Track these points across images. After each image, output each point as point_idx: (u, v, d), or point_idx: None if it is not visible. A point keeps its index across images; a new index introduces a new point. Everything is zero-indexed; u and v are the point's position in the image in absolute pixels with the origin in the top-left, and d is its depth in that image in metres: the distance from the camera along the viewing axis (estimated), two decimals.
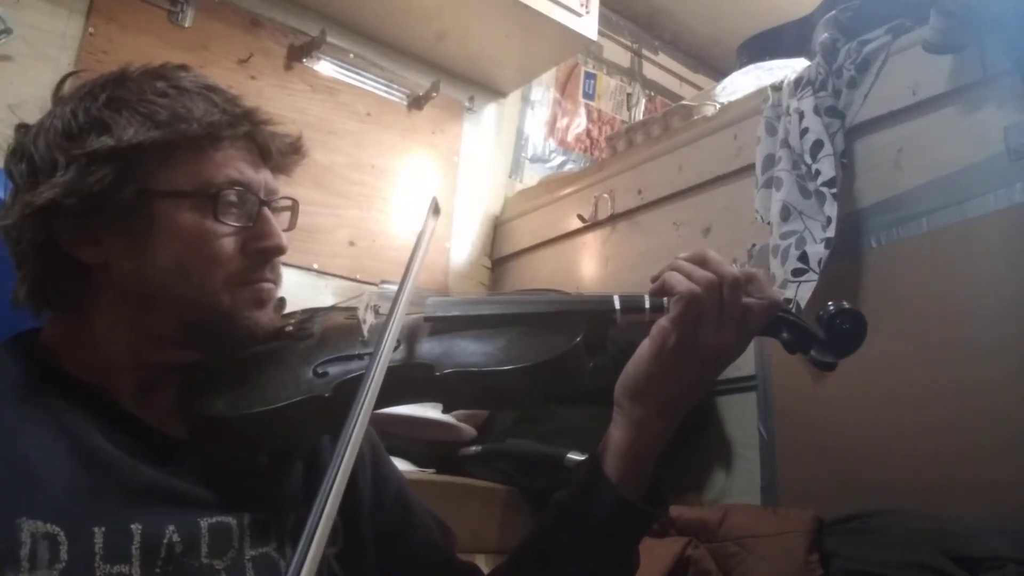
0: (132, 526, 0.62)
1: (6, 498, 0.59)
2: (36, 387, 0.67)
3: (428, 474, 1.44)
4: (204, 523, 0.66)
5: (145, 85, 0.73)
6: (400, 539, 0.83)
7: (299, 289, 1.84)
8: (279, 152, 0.78)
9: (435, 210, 0.81)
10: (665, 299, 0.72)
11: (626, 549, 0.76)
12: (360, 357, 0.71)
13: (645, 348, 0.73)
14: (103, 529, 0.61)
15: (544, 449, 1.41)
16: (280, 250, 0.75)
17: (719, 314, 0.70)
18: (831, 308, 0.74)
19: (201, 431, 0.70)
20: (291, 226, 0.82)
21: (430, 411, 1.47)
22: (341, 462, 0.54)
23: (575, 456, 1.34)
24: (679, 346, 0.70)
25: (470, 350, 0.71)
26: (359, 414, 0.57)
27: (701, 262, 0.72)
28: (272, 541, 0.70)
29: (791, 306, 1.30)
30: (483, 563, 0.88)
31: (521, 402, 1.09)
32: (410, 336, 0.73)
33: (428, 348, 0.72)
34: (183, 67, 0.77)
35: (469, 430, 1.53)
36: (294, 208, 0.82)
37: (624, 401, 0.74)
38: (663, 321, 0.71)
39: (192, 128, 0.70)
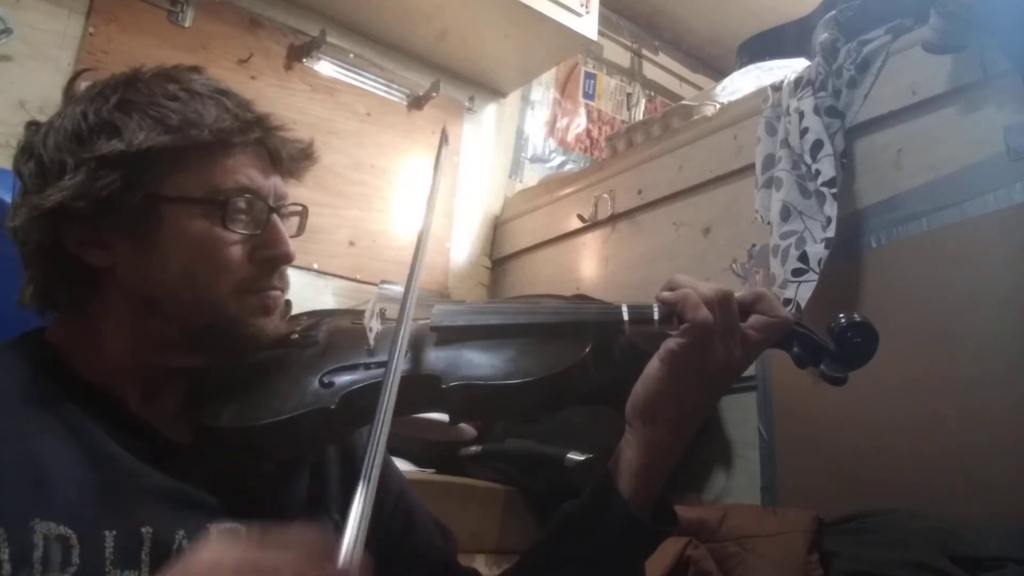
0: (142, 529, 0.62)
1: (20, 499, 0.58)
2: (43, 387, 0.66)
3: (428, 474, 1.44)
4: (214, 528, 0.66)
5: (156, 87, 0.72)
6: (401, 543, 0.83)
7: (299, 289, 1.81)
8: (290, 158, 0.78)
9: (445, 139, 0.81)
10: (675, 315, 0.72)
11: (633, 566, 0.76)
12: (367, 367, 0.71)
13: (654, 368, 0.72)
14: (114, 533, 0.60)
15: (544, 449, 1.41)
16: (288, 258, 0.74)
17: (728, 337, 0.71)
18: (843, 320, 0.73)
19: (206, 441, 0.69)
20: (299, 231, 0.81)
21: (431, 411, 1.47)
22: (369, 480, 0.54)
23: (575, 456, 1.34)
24: (688, 367, 0.70)
25: (477, 362, 0.70)
26: (379, 431, 0.56)
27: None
28: None
29: (791, 306, 1.30)
30: (483, 563, 0.88)
31: (527, 413, 1.09)
32: (416, 346, 0.72)
33: (435, 359, 0.71)
34: (195, 69, 0.76)
35: (469, 430, 1.52)
36: (303, 214, 0.81)
37: (635, 421, 0.74)
38: (672, 344, 0.71)
39: (203, 134, 0.69)
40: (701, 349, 0.70)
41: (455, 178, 2.25)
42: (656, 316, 0.72)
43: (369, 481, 0.54)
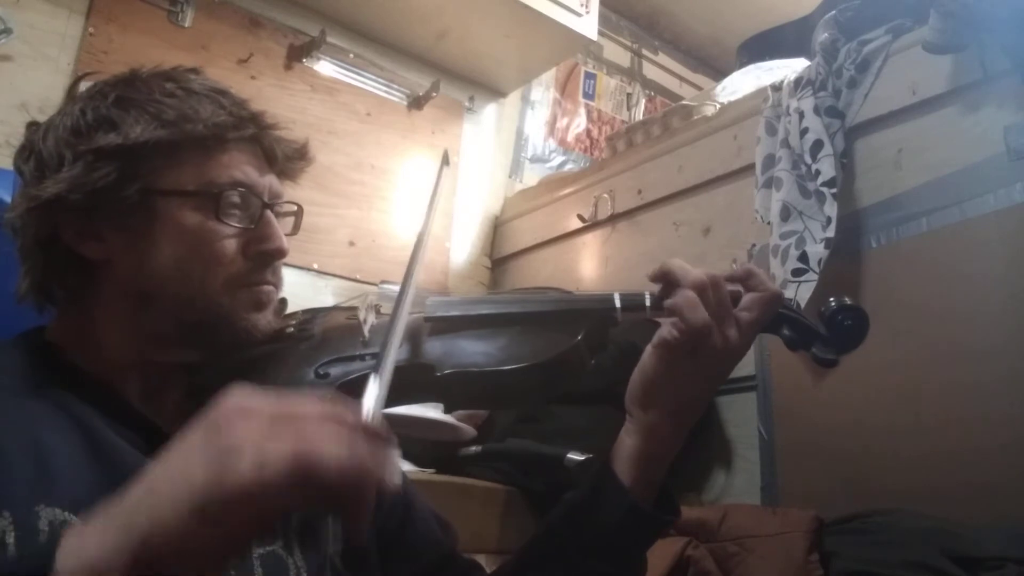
0: None
1: (24, 484, 0.58)
2: (44, 380, 0.67)
3: (428, 474, 1.44)
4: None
5: (154, 86, 0.73)
6: (401, 536, 0.83)
7: (299, 289, 1.84)
8: (285, 157, 0.79)
9: (446, 161, 0.82)
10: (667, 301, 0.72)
11: (634, 555, 0.76)
12: (362, 358, 0.71)
13: (650, 356, 0.73)
14: None
15: (544, 449, 1.41)
16: (281, 253, 0.75)
17: (723, 325, 0.70)
18: (833, 304, 0.74)
19: None
20: (294, 231, 0.82)
21: (430, 411, 1.47)
22: None
23: (575, 456, 1.34)
24: (683, 356, 0.71)
25: (471, 350, 0.71)
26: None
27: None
28: (279, 539, 0.70)
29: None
30: (483, 563, 0.88)
31: (522, 401, 1.09)
32: (411, 336, 0.73)
33: (429, 348, 0.72)
34: (193, 70, 0.78)
35: (469, 430, 1.52)
36: (298, 213, 0.82)
37: (634, 409, 0.74)
38: (665, 334, 0.71)
39: (198, 129, 0.71)
40: (695, 341, 0.70)
41: (455, 178, 2.25)
42: (648, 303, 0.73)
43: None
